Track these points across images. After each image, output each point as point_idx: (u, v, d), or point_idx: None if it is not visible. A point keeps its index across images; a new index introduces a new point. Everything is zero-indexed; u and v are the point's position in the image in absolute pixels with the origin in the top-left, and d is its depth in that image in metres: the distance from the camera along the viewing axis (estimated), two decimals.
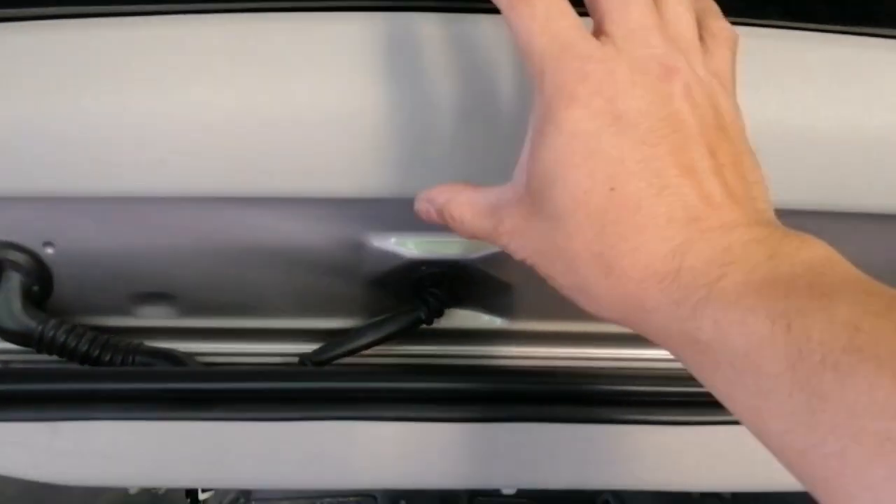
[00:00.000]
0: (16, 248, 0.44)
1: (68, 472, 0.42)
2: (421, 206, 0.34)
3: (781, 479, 0.44)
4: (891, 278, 0.25)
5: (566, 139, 0.27)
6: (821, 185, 0.39)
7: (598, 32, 0.29)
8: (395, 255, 0.44)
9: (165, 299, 0.49)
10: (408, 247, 0.44)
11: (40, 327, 0.44)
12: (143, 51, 0.36)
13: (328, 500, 0.93)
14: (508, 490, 0.89)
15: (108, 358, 0.46)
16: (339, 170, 0.37)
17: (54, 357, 0.46)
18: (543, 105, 0.28)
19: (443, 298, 0.47)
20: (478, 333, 0.52)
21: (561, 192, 0.28)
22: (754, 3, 0.40)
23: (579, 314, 0.44)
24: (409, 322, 0.48)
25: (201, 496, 0.91)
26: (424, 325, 0.48)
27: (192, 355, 0.51)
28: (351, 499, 0.95)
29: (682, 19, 0.30)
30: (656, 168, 0.27)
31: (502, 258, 0.45)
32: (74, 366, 0.46)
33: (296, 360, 0.49)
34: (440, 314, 0.48)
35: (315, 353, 0.49)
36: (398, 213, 0.42)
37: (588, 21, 0.30)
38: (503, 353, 0.53)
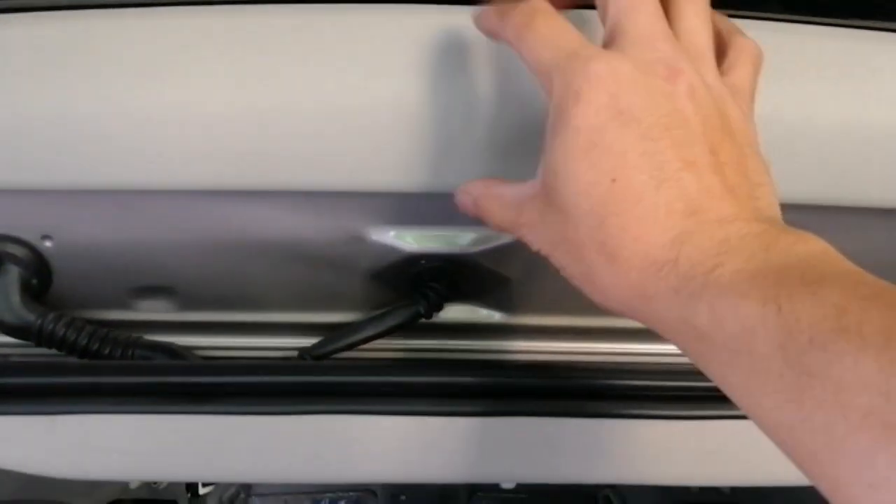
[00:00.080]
0: (14, 241, 0.43)
1: (67, 466, 0.42)
2: (460, 197, 0.36)
3: (780, 474, 0.45)
4: (889, 274, 0.25)
5: (572, 134, 0.28)
6: (819, 179, 0.39)
7: (608, 43, 0.30)
8: (394, 249, 0.44)
9: (164, 293, 0.49)
10: (407, 241, 0.44)
11: (39, 321, 0.44)
12: (141, 43, 0.36)
13: (328, 494, 0.94)
14: (508, 484, 0.90)
15: (107, 351, 0.46)
16: (339, 163, 0.37)
17: (53, 350, 0.46)
18: (554, 106, 0.29)
19: (442, 293, 0.47)
20: (477, 327, 0.52)
21: (567, 184, 0.29)
22: None
23: (578, 309, 0.44)
24: (408, 316, 0.48)
25: (201, 490, 0.91)
26: (423, 320, 0.48)
27: (191, 349, 0.51)
28: (351, 493, 0.95)
29: (697, 31, 0.31)
30: (658, 161, 0.28)
31: (501, 252, 0.45)
32: (73, 359, 0.46)
33: (295, 354, 0.49)
34: (439, 308, 0.48)
35: (314, 347, 0.49)
36: (397, 206, 0.42)
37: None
38: (502, 348, 0.53)
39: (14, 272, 0.44)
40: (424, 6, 0.37)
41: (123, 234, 0.43)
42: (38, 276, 0.45)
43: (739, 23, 0.33)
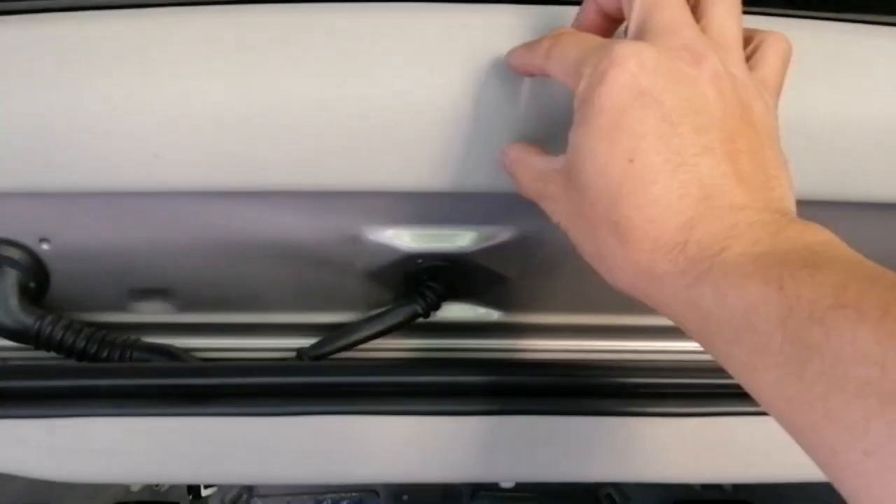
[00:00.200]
0: (12, 244, 0.44)
1: (67, 469, 0.42)
2: (499, 156, 0.37)
3: (781, 471, 0.45)
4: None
5: (595, 113, 0.29)
6: (816, 174, 0.39)
7: (634, 38, 0.31)
8: (391, 249, 0.44)
9: (162, 295, 0.49)
10: (404, 240, 0.44)
11: (37, 323, 0.44)
12: (136, 45, 0.36)
13: (330, 495, 0.94)
14: (507, 483, 0.90)
15: (105, 354, 0.46)
16: (335, 163, 0.37)
17: (51, 353, 0.46)
18: (581, 90, 0.30)
19: (440, 292, 0.47)
20: (475, 326, 0.52)
21: (587, 162, 0.30)
22: None
23: (576, 306, 0.44)
24: (406, 316, 0.48)
25: (203, 492, 0.91)
26: (421, 319, 0.48)
27: (189, 351, 0.51)
28: (353, 494, 0.95)
29: (726, 25, 0.31)
30: (676, 145, 0.28)
31: (499, 251, 0.45)
32: (71, 362, 0.46)
33: (293, 354, 0.49)
34: (437, 307, 0.48)
35: (312, 347, 0.48)
36: (394, 206, 0.42)
37: None
38: (501, 346, 0.53)
39: (12, 275, 0.44)
40: (420, 4, 0.37)
41: (120, 236, 0.43)
42: (36, 279, 0.45)
43: None
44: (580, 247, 0.32)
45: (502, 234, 0.44)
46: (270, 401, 0.42)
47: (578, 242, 0.32)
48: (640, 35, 0.30)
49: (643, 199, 0.28)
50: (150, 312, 0.50)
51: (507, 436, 0.43)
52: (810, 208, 0.30)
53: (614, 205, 0.29)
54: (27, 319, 0.44)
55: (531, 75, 0.35)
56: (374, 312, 0.49)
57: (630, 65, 0.28)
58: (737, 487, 0.87)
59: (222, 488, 0.92)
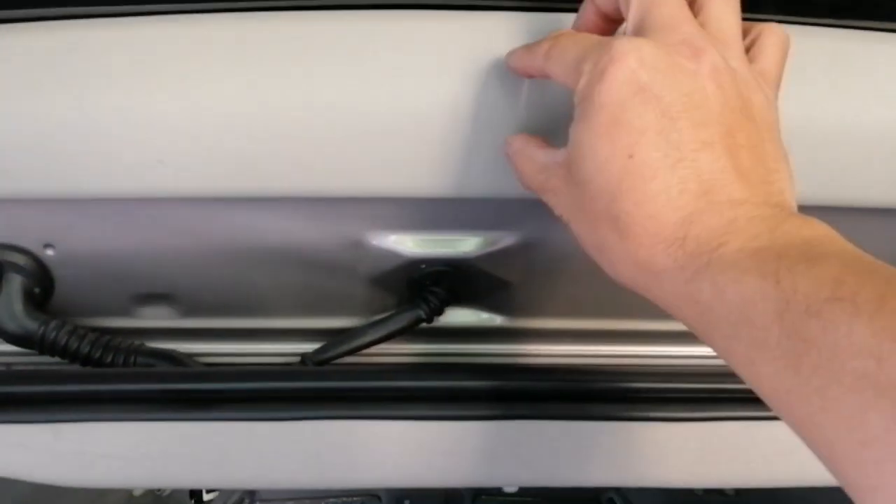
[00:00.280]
0: (17, 250, 0.44)
1: (71, 474, 0.42)
2: (503, 147, 0.37)
3: (783, 476, 0.45)
4: None
5: (595, 109, 0.29)
6: (816, 179, 0.39)
7: (634, 35, 0.31)
8: (394, 254, 0.44)
9: (166, 300, 0.49)
10: (407, 246, 0.44)
11: (41, 329, 0.44)
12: (140, 52, 0.36)
13: (332, 500, 0.94)
14: (510, 488, 0.90)
15: (109, 359, 0.46)
16: (338, 169, 0.37)
17: (56, 359, 0.46)
18: (582, 87, 0.30)
19: (443, 297, 0.47)
20: (478, 331, 0.52)
21: (587, 158, 0.30)
22: None
23: (579, 312, 0.44)
24: (409, 321, 0.48)
25: (206, 497, 0.91)
26: (425, 324, 0.48)
27: (192, 356, 0.51)
28: (355, 498, 0.95)
29: (724, 19, 0.31)
30: (675, 140, 0.28)
31: (501, 256, 0.45)
32: (76, 367, 0.46)
33: (297, 359, 0.49)
34: (440, 312, 0.48)
35: (316, 352, 0.49)
36: (397, 211, 0.42)
37: None
38: (504, 351, 0.53)
39: (16, 281, 0.44)
40: (421, 11, 0.37)
41: (124, 241, 0.43)
42: (41, 284, 0.45)
43: None
44: (582, 240, 0.32)
45: (505, 239, 0.44)
46: (274, 406, 0.42)
47: (580, 235, 0.32)
48: (640, 32, 0.31)
49: (642, 195, 0.28)
50: (153, 318, 0.50)
51: (509, 441, 0.43)
52: (812, 214, 0.30)
53: (614, 200, 0.29)
54: (32, 325, 0.44)
55: (531, 77, 0.35)
56: (377, 317, 0.49)
57: (629, 61, 0.29)
58: (738, 492, 0.87)
59: (224, 493, 0.92)
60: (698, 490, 0.86)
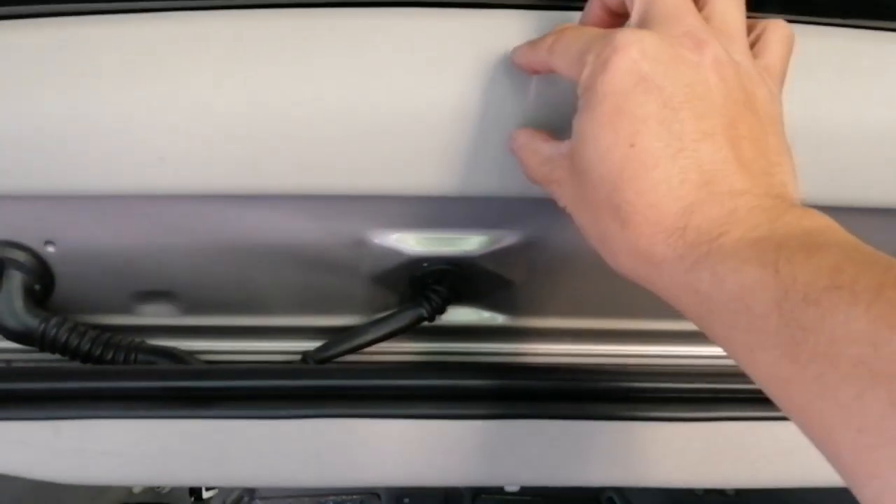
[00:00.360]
0: (17, 246, 0.44)
1: (71, 471, 0.42)
2: (508, 141, 0.37)
3: (784, 476, 0.44)
4: None
5: (598, 99, 0.29)
6: (819, 179, 0.39)
7: (637, 27, 0.31)
8: (396, 252, 0.44)
9: (167, 297, 0.49)
10: (409, 244, 0.44)
11: (42, 326, 0.44)
12: (142, 49, 0.36)
13: (332, 498, 0.94)
14: (512, 487, 0.90)
15: (109, 356, 0.46)
16: (340, 167, 0.37)
17: (56, 356, 0.46)
18: (585, 77, 0.30)
19: (445, 295, 0.47)
20: (480, 330, 0.52)
21: (589, 148, 0.30)
22: None
23: (581, 311, 0.43)
24: (411, 319, 0.48)
25: (205, 494, 0.91)
26: (426, 322, 0.48)
27: (193, 353, 0.51)
28: (355, 497, 0.95)
29: (729, 14, 0.32)
30: (677, 130, 0.28)
31: (504, 255, 0.45)
32: (76, 364, 0.46)
33: (298, 357, 0.49)
34: (442, 311, 0.48)
35: (317, 350, 0.49)
36: (399, 210, 0.42)
37: None
38: (505, 350, 0.53)
39: (17, 277, 0.44)
40: (425, 9, 0.37)
41: (125, 239, 0.43)
42: (41, 281, 0.45)
43: None
44: (584, 231, 0.32)
45: (507, 238, 0.44)
46: (274, 404, 0.42)
47: (582, 227, 0.32)
48: (643, 24, 0.31)
49: (644, 184, 0.28)
50: (154, 315, 0.50)
51: (510, 440, 0.43)
52: None
53: (616, 189, 0.29)
54: (32, 321, 0.44)
55: (536, 72, 0.35)
56: (379, 316, 0.49)
57: (632, 51, 0.29)
58: (739, 492, 0.87)
59: (223, 490, 0.92)
60: (698, 490, 0.86)
